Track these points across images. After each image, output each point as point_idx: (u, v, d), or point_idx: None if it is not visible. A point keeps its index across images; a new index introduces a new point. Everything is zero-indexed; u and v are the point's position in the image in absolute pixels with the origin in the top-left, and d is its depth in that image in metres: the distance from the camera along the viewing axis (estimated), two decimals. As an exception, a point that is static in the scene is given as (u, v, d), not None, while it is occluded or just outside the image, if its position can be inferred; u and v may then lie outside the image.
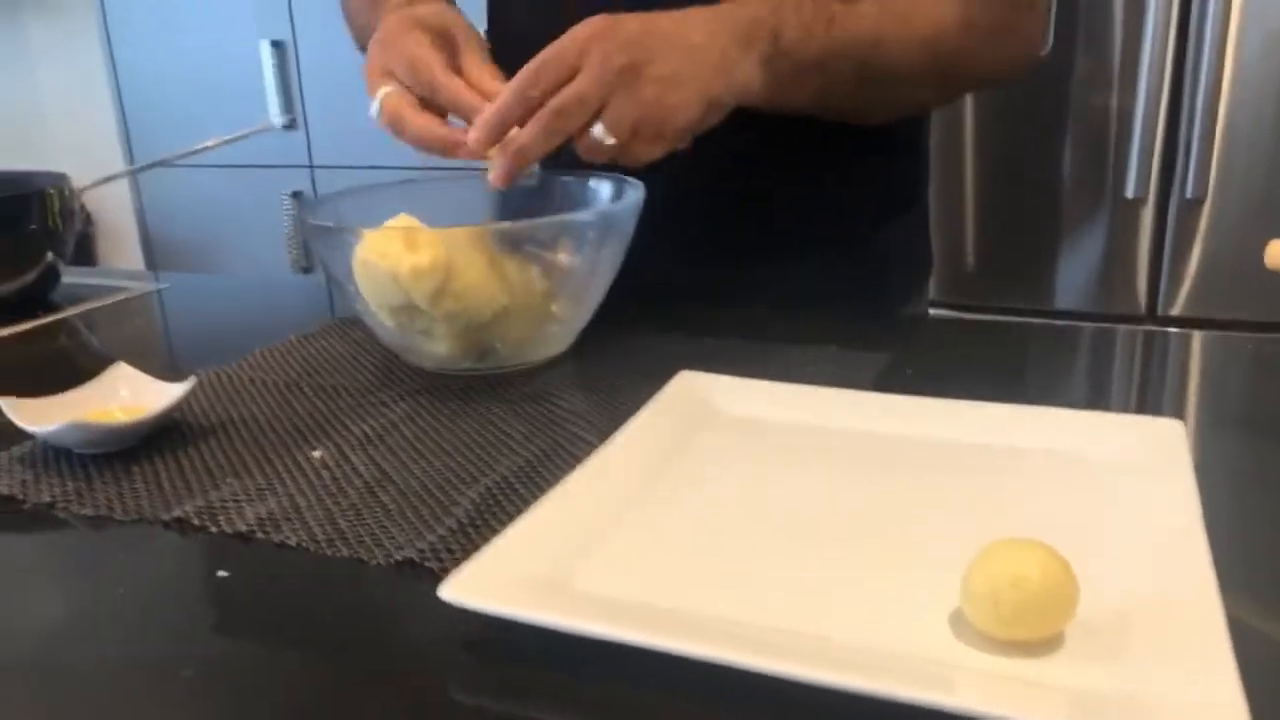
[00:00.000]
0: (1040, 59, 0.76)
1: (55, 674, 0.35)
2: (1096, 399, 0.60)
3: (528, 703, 0.33)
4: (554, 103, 0.56)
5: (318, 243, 0.61)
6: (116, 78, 2.27)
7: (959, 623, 0.34)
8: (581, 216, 0.61)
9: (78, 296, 0.87)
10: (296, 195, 2.16)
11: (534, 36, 0.59)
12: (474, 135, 0.58)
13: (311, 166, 2.13)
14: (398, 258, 0.56)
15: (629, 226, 0.63)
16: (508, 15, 0.85)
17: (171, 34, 2.19)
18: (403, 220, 0.59)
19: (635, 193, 0.64)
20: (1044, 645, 0.33)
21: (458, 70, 0.64)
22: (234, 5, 2.11)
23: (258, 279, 1.12)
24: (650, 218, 0.63)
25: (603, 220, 0.61)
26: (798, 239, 0.80)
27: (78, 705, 0.34)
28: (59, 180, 0.85)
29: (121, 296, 0.88)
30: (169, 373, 0.58)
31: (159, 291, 0.91)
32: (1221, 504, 0.45)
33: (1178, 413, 0.55)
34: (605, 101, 0.56)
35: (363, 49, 0.83)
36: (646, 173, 0.63)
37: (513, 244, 0.60)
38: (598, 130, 0.57)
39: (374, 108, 0.65)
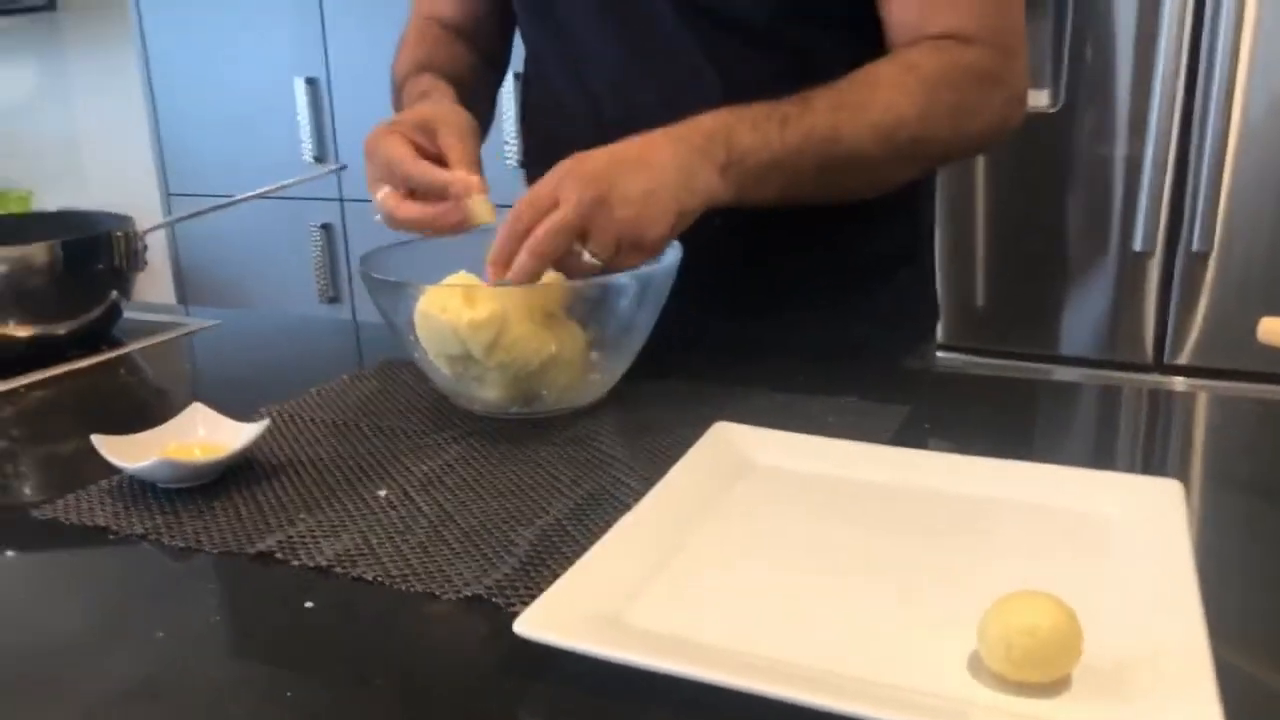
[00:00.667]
0: (1012, 130, 0.79)
1: (171, 693, 0.40)
2: (1102, 456, 0.64)
3: (590, 727, 0.38)
4: (540, 232, 0.62)
5: (380, 295, 0.65)
6: (155, 112, 2.34)
7: (976, 664, 0.39)
8: (623, 279, 0.66)
9: (137, 332, 0.92)
10: (326, 228, 2.22)
11: (567, 97, 0.64)
12: (489, 274, 0.64)
13: (341, 200, 2.19)
14: (457, 312, 0.61)
15: (666, 285, 0.68)
16: (544, 77, 0.90)
17: (209, 70, 2.26)
18: (461, 277, 0.64)
19: (673, 254, 0.68)
20: (1052, 686, 0.37)
21: (440, 153, 0.71)
22: (271, 43, 2.18)
23: (305, 316, 1.17)
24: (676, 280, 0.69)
25: (642, 282, 0.66)
26: (804, 295, 0.85)
27: (191, 720, 0.38)
28: (125, 223, 0.90)
29: (178, 333, 0.93)
30: (229, 409, 0.63)
31: (213, 328, 0.96)
32: (1216, 558, 0.49)
33: (1180, 471, 0.59)
34: (586, 228, 0.63)
35: None
36: None
37: (561, 301, 0.65)
38: (586, 255, 0.63)
39: (375, 214, 0.73)
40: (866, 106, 0.71)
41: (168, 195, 2.36)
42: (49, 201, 2.82)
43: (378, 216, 0.73)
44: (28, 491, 0.60)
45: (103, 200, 2.73)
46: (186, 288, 2.41)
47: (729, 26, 0.77)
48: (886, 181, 0.79)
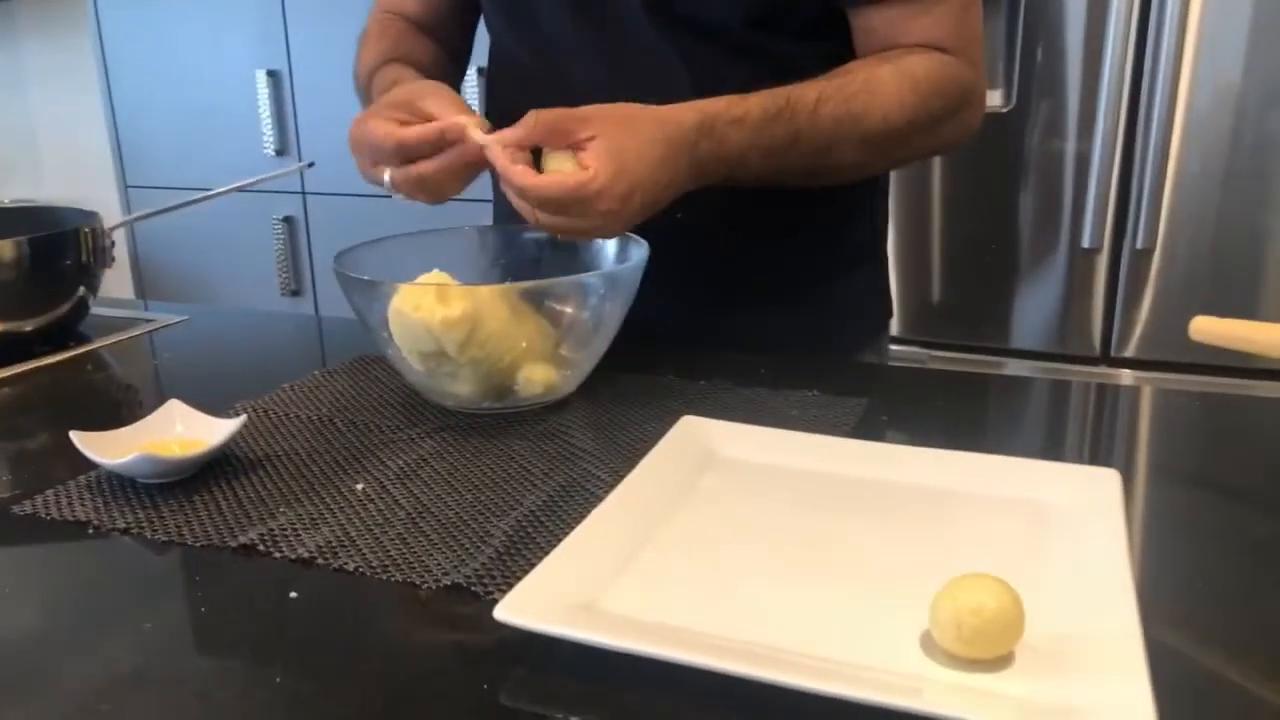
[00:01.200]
0: (971, 138, 0.82)
1: (163, 682, 0.41)
2: (1051, 447, 0.67)
3: (567, 707, 0.40)
4: (553, 225, 0.65)
5: (354, 293, 0.67)
6: (111, 102, 2.31)
7: (927, 643, 0.41)
8: (590, 277, 0.68)
9: (104, 328, 0.93)
10: (288, 220, 2.21)
11: (537, 98, 0.67)
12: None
13: (304, 193, 2.18)
14: (430, 310, 0.63)
15: (634, 283, 0.70)
16: (511, 77, 0.91)
17: (167, 61, 2.23)
18: (435, 276, 0.66)
19: (640, 252, 0.71)
20: (997, 662, 0.40)
21: (425, 119, 0.70)
22: (231, 35, 2.16)
23: (270, 312, 1.18)
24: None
25: (609, 279, 0.68)
26: (763, 292, 0.88)
27: (188, 712, 0.39)
28: (92, 219, 0.91)
29: (145, 329, 0.93)
30: (201, 404, 0.64)
31: (179, 323, 0.96)
32: (1154, 543, 0.53)
33: (1123, 461, 0.63)
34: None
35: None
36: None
37: (531, 299, 0.67)
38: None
39: (388, 189, 0.72)
40: (863, 117, 0.73)
41: (125, 188, 2.33)
42: (4, 194, 2.77)
43: (396, 195, 0.72)
44: (1, 487, 0.61)
45: (59, 192, 2.69)
46: (145, 282, 2.38)
47: (702, 32, 0.79)
48: (854, 178, 0.82)
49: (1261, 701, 0.40)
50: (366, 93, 0.88)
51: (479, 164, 0.69)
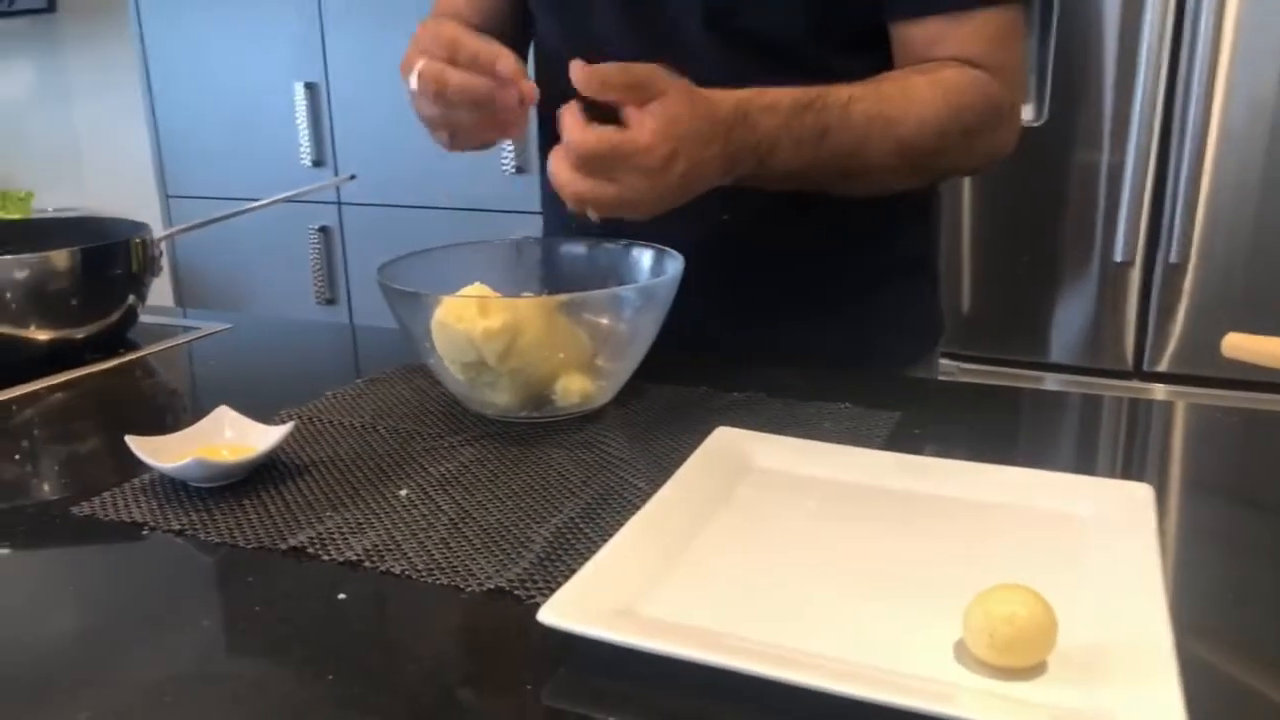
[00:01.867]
0: (1003, 159, 0.82)
1: (222, 677, 0.43)
2: (1083, 461, 0.68)
3: (607, 708, 0.41)
4: (591, 196, 0.65)
5: (398, 304, 0.69)
6: (154, 113, 2.36)
7: (960, 651, 0.42)
8: (626, 290, 0.69)
9: (151, 336, 0.95)
10: (324, 230, 2.25)
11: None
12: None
13: (340, 203, 2.22)
14: (472, 321, 0.65)
15: (668, 296, 0.71)
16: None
17: (208, 73, 2.28)
18: (476, 289, 0.68)
19: (675, 265, 0.72)
20: (1030, 671, 0.41)
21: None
22: (270, 47, 2.20)
23: (310, 321, 1.20)
24: (684, 280, 0.72)
25: (645, 292, 0.70)
26: (814, 303, 0.88)
27: (247, 705, 0.41)
28: (142, 230, 0.93)
29: (191, 337, 0.96)
30: (247, 411, 0.66)
31: (223, 332, 0.98)
32: (1186, 557, 0.53)
33: (1156, 475, 0.63)
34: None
35: None
36: (681, 243, 0.72)
37: (569, 312, 0.68)
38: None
39: (413, 80, 0.71)
40: (898, 122, 0.74)
41: (166, 197, 2.38)
42: (47, 202, 2.84)
43: (413, 84, 0.71)
44: (58, 489, 0.63)
45: (100, 201, 2.75)
46: (184, 289, 2.43)
47: (759, 46, 0.80)
48: (885, 189, 0.82)
49: (1293, 714, 0.40)
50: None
51: (513, 122, 0.69)
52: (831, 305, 0.89)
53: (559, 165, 0.65)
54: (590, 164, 0.64)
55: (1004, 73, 0.79)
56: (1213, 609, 0.48)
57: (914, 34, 0.79)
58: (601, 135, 0.63)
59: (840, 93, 0.73)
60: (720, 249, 0.74)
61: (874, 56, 0.80)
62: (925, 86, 0.76)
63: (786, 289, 0.89)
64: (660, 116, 0.63)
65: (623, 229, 0.73)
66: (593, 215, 0.67)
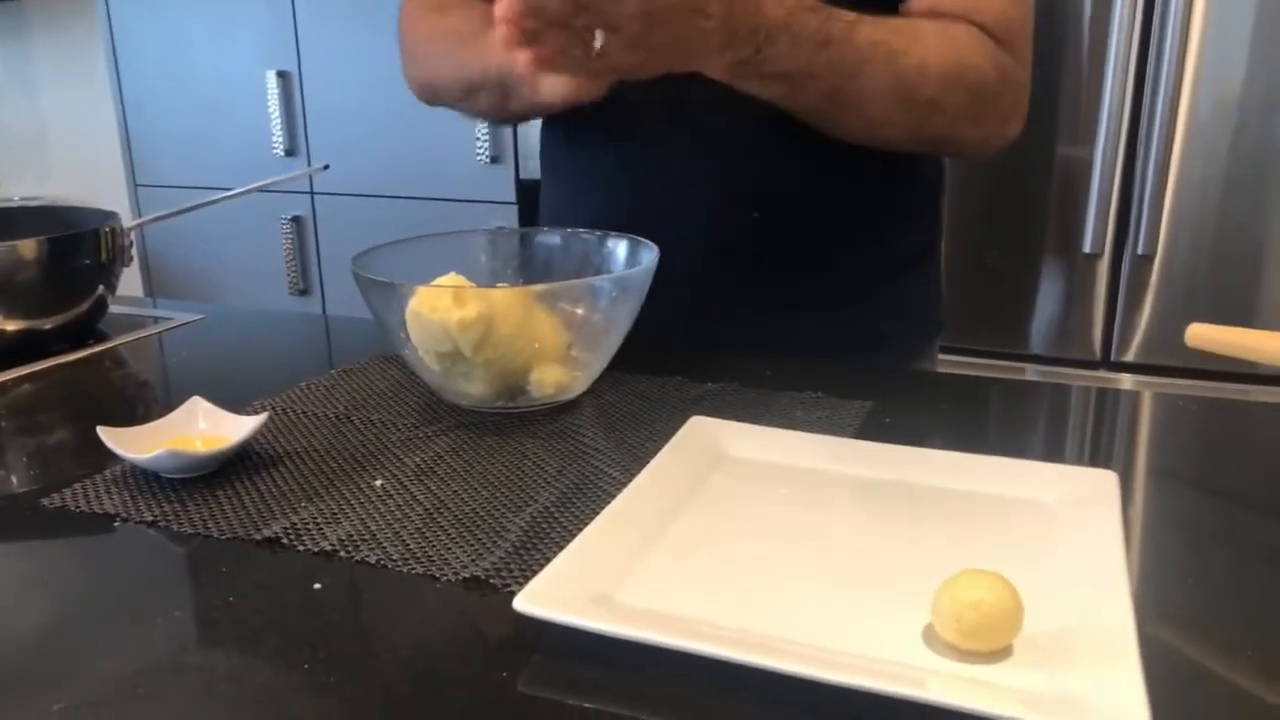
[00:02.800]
0: (999, 146, 0.80)
1: (195, 667, 0.43)
2: (1050, 450, 0.69)
3: (582, 694, 0.41)
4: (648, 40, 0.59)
5: (372, 294, 0.69)
6: (122, 101, 2.33)
7: (929, 636, 0.43)
8: (602, 280, 0.70)
9: (121, 326, 0.94)
10: (296, 220, 2.23)
11: None
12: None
13: (312, 193, 2.20)
14: (447, 311, 0.65)
15: (644, 286, 0.71)
16: None
17: (178, 60, 2.26)
18: (451, 278, 0.68)
19: (650, 255, 0.72)
20: (996, 654, 0.42)
21: None
22: (242, 35, 2.18)
23: (284, 311, 1.19)
24: (670, 272, 0.71)
25: (620, 282, 0.70)
26: (829, 293, 0.86)
27: (222, 696, 0.41)
28: (111, 219, 0.92)
29: (163, 327, 0.95)
30: (219, 402, 0.65)
31: (195, 322, 0.98)
32: (1146, 542, 0.54)
33: (1121, 464, 0.64)
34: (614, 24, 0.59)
35: (444, 102, 0.87)
36: (701, 237, 0.71)
37: (544, 302, 0.68)
38: (597, 43, 0.60)
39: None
40: (901, 54, 0.71)
41: (135, 186, 2.35)
42: (13, 191, 2.79)
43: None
44: (28, 481, 0.63)
45: (67, 190, 2.71)
46: (153, 279, 2.40)
47: None
48: (883, 138, 0.78)
49: (1250, 695, 0.42)
50: (460, 49, 0.80)
51: None
52: (846, 297, 0.87)
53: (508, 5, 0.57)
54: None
55: (1013, 47, 0.76)
56: (1174, 593, 0.49)
57: None
58: None
59: (847, 13, 0.70)
60: (742, 243, 0.73)
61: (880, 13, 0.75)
62: (933, 32, 0.73)
63: (804, 282, 0.87)
64: None
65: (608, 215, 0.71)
66: (548, 70, 0.60)
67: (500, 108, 0.81)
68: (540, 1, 0.57)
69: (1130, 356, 1.67)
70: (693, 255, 0.81)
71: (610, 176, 0.89)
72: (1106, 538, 0.49)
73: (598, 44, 0.59)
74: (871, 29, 0.71)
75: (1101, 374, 1.70)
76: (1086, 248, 1.63)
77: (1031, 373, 1.73)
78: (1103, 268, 1.65)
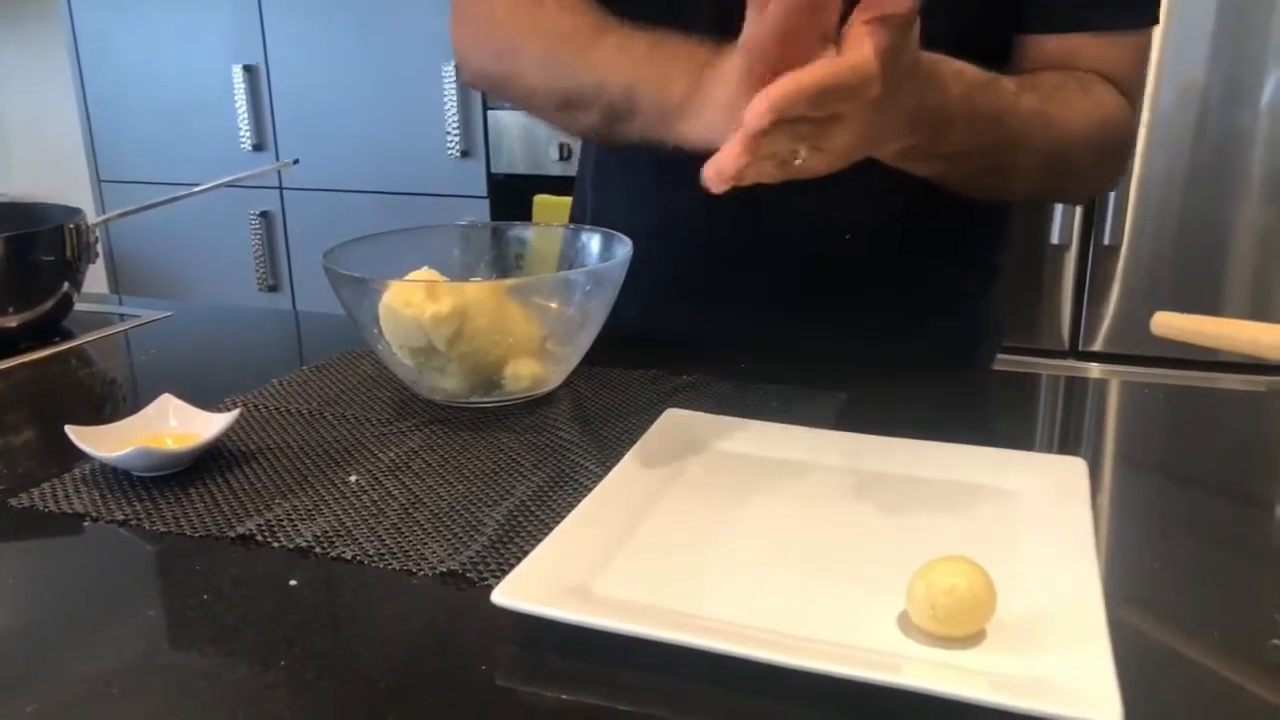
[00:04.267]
0: (1107, 192, 0.81)
1: (170, 667, 0.43)
2: (1020, 438, 0.70)
3: (559, 686, 0.41)
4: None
5: (344, 289, 0.68)
6: (84, 96, 2.29)
7: (904, 622, 0.44)
8: (576, 274, 0.70)
9: (88, 324, 0.93)
10: (265, 215, 2.21)
11: None
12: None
13: (281, 188, 2.18)
14: (421, 306, 0.64)
15: (618, 280, 0.72)
16: None
17: (142, 54, 2.22)
18: (424, 273, 0.67)
19: (623, 249, 0.72)
20: (970, 639, 0.42)
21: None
22: (207, 29, 2.15)
23: (254, 308, 1.18)
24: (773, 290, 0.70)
25: (594, 276, 0.70)
26: (898, 308, 0.85)
27: (197, 695, 0.41)
28: (75, 215, 0.91)
29: (131, 325, 0.94)
30: (190, 399, 0.65)
31: (163, 320, 0.97)
32: (1114, 527, 0.55)
33: (1090, 451, 0.65)
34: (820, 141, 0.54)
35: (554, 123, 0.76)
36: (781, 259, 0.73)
37: (518, 296, 0.68)
38: (798, 159, 0.54)
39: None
40: (1054, 122, 0.69)
41: (99, 182, 2.32)
42: (-28, 186, 2.75)
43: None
44: (-3, 481, 0.62)
45: (29, 187, 2.67)
46: (120, 276, 2.37)
47: None
48: (1005, 195, 0.78)
49: (1214, 674, 0.42)
50: (583, 55, 0.68)
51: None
52: (915, 315, 0.86)
53: (761, 116, 0.48)
54: (821, 101, 0.50)
55: (1136, 101, 0.75)
56: (1142, 576, 0.50)
57: (1051, 47, 0.73)
58: (827, 65, 0.49)
59: (1008, 81, 0.67)
60: (825, 264, 0.72)
61: (994, 65, 0.69)
62: (1080, 95, 0.71)
63: (877, 299, 0.85)
64: (883, 39, 0.50)
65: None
66: (760, 178, 0.52)
67: (605, 130, 0.69)
68: (803, 95, 0.49)
69: (1098, 345, 1.70)
70: (772, 279, 0.81)
71: (691, 207, 0.75)
72: (1076, 523, 0.50)
73: (800, 160, 0.54)
74: (1032, 98, 0.68)
75: (1070, 363, 1.72)
76: (1054, 239, 1.65)
77: (1001, 362, 1.75)
78: (1070, 259, 1.67)
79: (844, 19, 0.51)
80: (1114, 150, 0.76)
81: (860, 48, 0.50)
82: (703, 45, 0.61)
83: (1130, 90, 0.75)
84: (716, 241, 0.84)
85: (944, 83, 0.60)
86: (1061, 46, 0.74)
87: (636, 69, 0.64)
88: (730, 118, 0.52)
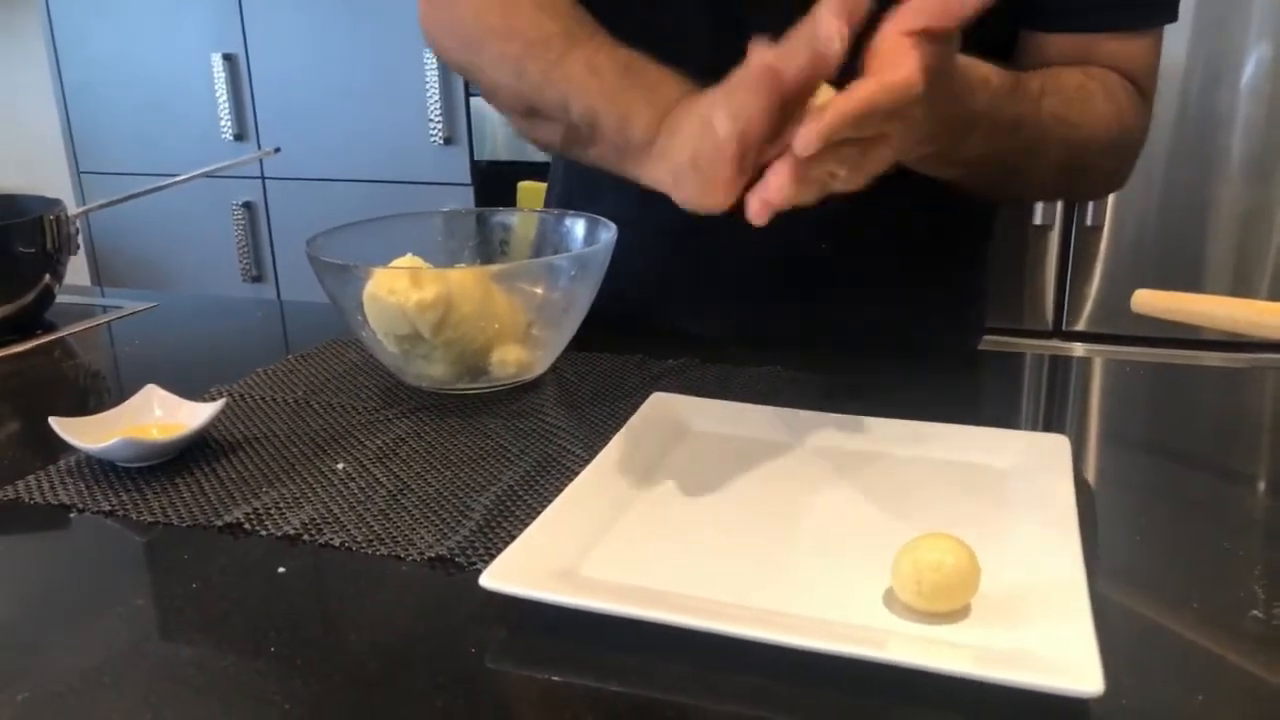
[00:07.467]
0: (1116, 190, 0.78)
1: (160, 655, 0.43)
2: (1004, 416, 0.70)
3: (549, 667, 0.42)
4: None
5: (328, 277, 0.68)
6: (62, 85, 2.27)
7: (890, 598, 0.44)
8: (560, 259, 0.70)
9: (70, 316, 0.92)
10: (248, 206, 2.19)
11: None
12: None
13: (264, 178, 2.16)
14: (405, 294, 0.64)
15: (603, 264, 0.72)
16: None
17: (120, 43, 2.20)
18: (408, 260, 0.67)
19: (607, 234, 0.72)
20: (955, 614, 0.43)
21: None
22: (185, 17, 2.13)
23: (237, 298, 1.17)
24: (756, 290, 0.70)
25: (579, 261, 0.70)
26: (880, 299, 0.84)
27: (188, 682, 0.41)
28: (55, 206, 0.90)
29: (113, 316, 0.93)
30: (174, 389, 0.64)
31: (147, 310, 0.96)
32: (1097, 503, 0.56)
33: (1074, 428, 0.66)
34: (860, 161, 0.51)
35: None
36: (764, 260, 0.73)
37: (503, 281, 0.68)
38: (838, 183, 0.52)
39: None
40: (1076, 128, 0.68)
41: (78, 173, 2.30)
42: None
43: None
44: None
45: (5, 178, 2.64)
46: (101, 268, 2.35)
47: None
48: (1017, 197, 0.79)
49: (1195, 645, 0.43)
50: (554, 69, 0.65)
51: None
52: (898, 301, 0.85)
53: (810, 144, 0.47)
54: (868, 122, 0.48)
55: (1150, 97, 0.74)
56: (1124, 550, 0.51)
57: (1066, 44, 0.72)
58: (874, 85, 0.47)
59: (1033, 82, 0.65)
60: (803, 268, 0.72)
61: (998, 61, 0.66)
62: (1104, 101, 0.70)
63: (859, 298, 0.84)
64: (930, 55, 0.48)
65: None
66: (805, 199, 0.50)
67: (565, 148, 0.69)
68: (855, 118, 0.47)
69: (1081, 325, 1.71)
70: (759, 276, 0.81)
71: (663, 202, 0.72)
72: (1059, 499, 0.51)
73: (838, 184, 0.52)
74: (1055, 102, 0.66)
75: (1054, 343, 1.73)
76: (1037, 220, 1.66)
77: (985, 343, 1.75)
78: (1053, 239, 1.68)
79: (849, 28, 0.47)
80: (1129, 152, 0.75)
81: (904, 64, 0.47)
82: (672, 82, 0.59)
83: (1148, 87, 0.74)
84: (691, 233, 0.84)
85: (972, 89, 0.59)
86: (1080, 43, 0.73)
87: (601, 97, 0.61)
88: (694, 174, 0.51)
